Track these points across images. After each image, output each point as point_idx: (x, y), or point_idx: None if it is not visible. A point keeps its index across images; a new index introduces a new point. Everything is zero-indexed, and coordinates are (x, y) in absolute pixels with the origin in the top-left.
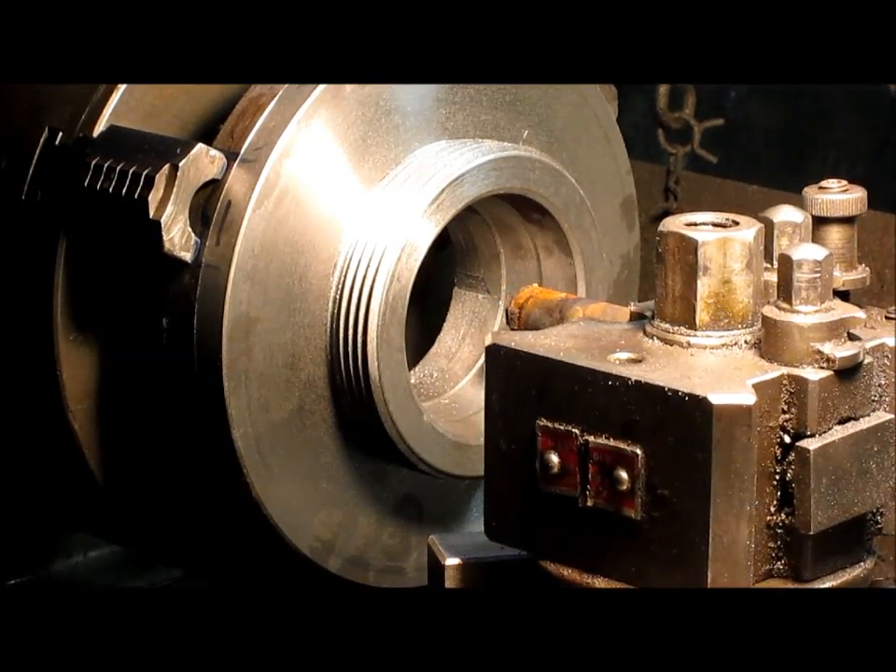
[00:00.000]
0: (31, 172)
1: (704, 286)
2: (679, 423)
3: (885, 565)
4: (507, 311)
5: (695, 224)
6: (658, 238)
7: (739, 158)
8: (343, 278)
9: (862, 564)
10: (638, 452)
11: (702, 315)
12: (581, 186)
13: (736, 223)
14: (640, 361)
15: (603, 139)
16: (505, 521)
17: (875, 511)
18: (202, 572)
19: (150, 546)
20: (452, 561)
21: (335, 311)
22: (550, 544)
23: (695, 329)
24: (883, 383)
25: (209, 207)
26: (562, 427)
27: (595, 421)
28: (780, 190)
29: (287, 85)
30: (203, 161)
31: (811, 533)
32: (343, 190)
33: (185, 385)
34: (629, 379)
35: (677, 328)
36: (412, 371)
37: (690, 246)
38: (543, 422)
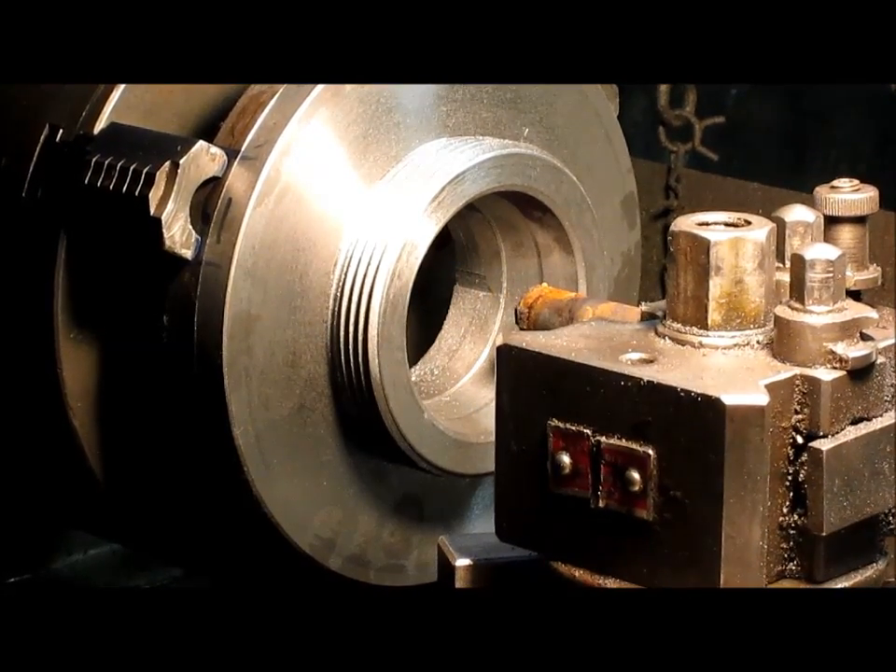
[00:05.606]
0: (31, 169)
1: (716, 286)
2: (691, 423)
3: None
4: (516, 310)
5: (707, 223)
6: (669, 237)
7: (740, 156)
8: (343, 276)
9: (875, 565)
10: (651, 452)
11: (714, 316)
12: (581, 183)
13: (748, 223)
14: (652, 361)
15: (604, 137)
16: (516, 522)
17: (887, 511)
18: (202, 571)
19: (150, 545)
20: (462, 562)
21: (336, 308)
22: (561, 545)
23: (707, 330)
24: None
25: (210, 205)
26: (573, 428)
27: (606, 421)
28: (781, 188)
29: None
30: (204, 158)
31: (824, 534)
32: (343, 188)
33: (185, 383)
34: (641, 379)
35: (688, 328)
36: (412, 369)
37: (702, 246)
38: (555, 422)
